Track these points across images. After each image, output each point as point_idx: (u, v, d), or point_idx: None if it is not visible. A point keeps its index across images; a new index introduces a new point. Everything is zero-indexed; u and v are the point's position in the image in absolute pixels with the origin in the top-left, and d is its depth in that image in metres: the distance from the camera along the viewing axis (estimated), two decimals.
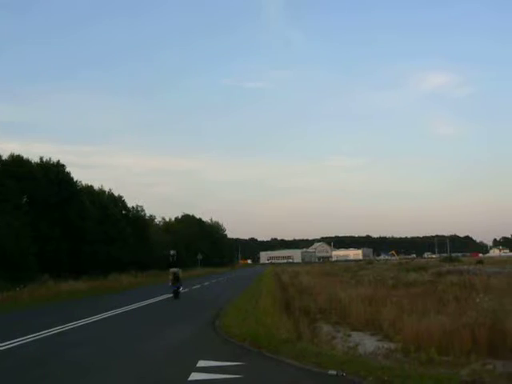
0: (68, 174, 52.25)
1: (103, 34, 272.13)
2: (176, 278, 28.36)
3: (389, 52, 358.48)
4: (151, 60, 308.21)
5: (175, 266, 28.86)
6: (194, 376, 9.26)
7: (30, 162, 48.35)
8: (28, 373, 10.11)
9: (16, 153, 47.63)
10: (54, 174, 49.53)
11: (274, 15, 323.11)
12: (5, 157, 46.28)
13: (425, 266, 56.17)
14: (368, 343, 15.33)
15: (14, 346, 13.28)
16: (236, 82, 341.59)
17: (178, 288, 28.53)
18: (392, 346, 14.53)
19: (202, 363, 10.37)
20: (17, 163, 45.86)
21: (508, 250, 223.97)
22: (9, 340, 13.91)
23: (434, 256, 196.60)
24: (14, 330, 16.47)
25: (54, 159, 51.88)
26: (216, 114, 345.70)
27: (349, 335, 17.15)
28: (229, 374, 9.40)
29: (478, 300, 16.83)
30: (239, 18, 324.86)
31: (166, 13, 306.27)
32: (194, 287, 41.38)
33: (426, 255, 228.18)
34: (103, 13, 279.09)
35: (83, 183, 58.66)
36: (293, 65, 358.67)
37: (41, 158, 50.93)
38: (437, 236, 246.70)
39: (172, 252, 29.97)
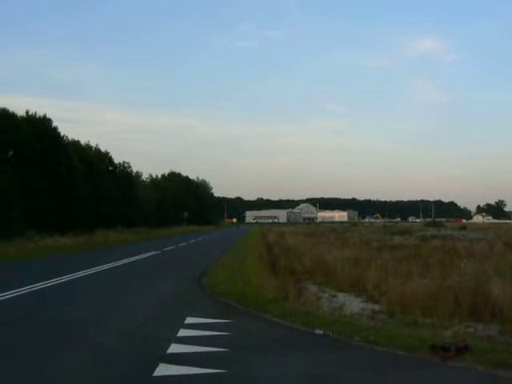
0: (55, 128, 51.55)
1: None
2: None
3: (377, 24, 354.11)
4: (141, 23, 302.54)
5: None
6: (183, 332, 9.39)
7: (16, 116, 47.57)
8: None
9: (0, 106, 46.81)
10: (40, 128, 48.89)
11: None
12: None
13: (409, 230, 56.65)
14: (353, 304, 15.56)
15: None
16: (227, 41, 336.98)
17: None
18: (376, 307, 14.78)
19: (189, 320, 10.50)
20: (2, 116, 45.12)
21: (491, 217, 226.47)
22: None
23: (418, 220, 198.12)
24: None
25: (40, 113, 51.23)
26: (204, 72, 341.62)
27: (334, 296, 17.38)
28: (216, 330, 9.53)
29: (462, 265, 17.07)
30: None
31: None
32: (180, 245, 41.60)
33: (410, 219, 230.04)
34: None
35: (70, 138, 58.07)
36: (285, 29, 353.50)
37: (27, 112, 50.09)
38: (422, 201, 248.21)
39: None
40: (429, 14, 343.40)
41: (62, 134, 53.24)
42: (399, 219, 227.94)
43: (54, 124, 51.77)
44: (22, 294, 14.43)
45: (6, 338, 9.27)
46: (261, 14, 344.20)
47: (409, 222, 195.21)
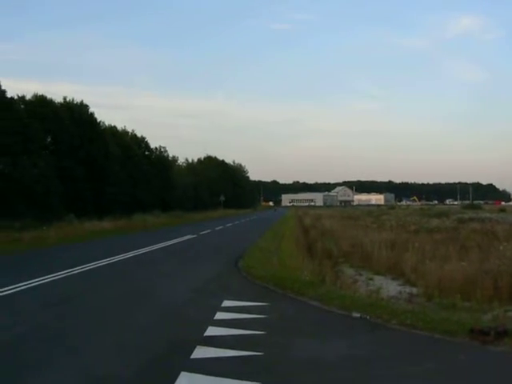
0: (92, 114, 52.27)
1: None
2: None
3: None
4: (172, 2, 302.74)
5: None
6: (219, 315, 9.47)
7: (54, 102, 48.28)
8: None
9: (39, 93, 47.57)
10: (77, 114, 49.54)
11: None
12: (28, 97, 46.29)
13: (447, 213, 55.87)
14: (390, 287, 15.50)
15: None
16: (262, 24, 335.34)
17: None
18: (414, 290, 14.69)
19: (226, 303, 10.57)
20: (41, 103, 45.83)
21: None
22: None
23: (455, 203, 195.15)
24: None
25: (77, 100, 51.88)
26: (240, 56, 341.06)
27: (371, 279, 17.34)
28: (253, 314, 9.59)
29: (501, 248, 16.82)
30: None
31: None
32: (217, 228, 41.82)
33: (447, 202, 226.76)
34: None
35: (106, 124, 58.78)
36: (318, 9, 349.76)
37: (64, 98, 50.84)
38: (459, 183, 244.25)
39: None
40: None
41: (98, 120, 53.95)
42: (436, 202, 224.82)
43: (91, 110, 52.50)
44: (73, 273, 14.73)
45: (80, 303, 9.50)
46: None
47: (446, 204, 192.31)
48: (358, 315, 9.34)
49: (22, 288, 12.66)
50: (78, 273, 15.58)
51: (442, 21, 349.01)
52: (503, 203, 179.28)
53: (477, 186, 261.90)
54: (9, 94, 40.17)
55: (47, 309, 10.48)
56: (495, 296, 12.44)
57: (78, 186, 45.95)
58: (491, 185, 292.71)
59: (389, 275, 18.18)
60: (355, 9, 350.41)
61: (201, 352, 7.15)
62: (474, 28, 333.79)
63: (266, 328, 8.47)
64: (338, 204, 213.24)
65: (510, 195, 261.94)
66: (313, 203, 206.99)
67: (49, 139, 45.96)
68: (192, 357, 6.96)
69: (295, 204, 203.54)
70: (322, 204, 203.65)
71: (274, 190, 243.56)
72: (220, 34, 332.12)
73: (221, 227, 44.13)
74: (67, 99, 50.91)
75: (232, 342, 7.65)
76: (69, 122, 46.90)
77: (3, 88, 39.15)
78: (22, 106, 43.42)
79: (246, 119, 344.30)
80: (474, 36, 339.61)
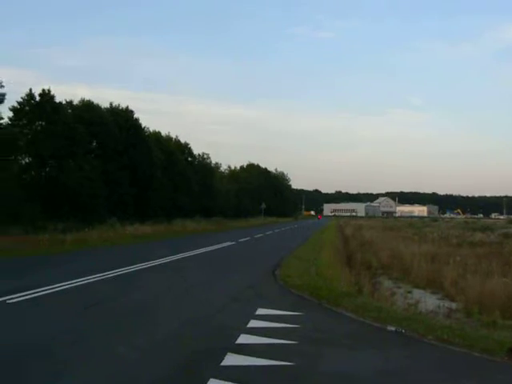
0: (137, 119, 52.98)
1: None
2: None
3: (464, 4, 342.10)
4: (213, 6, 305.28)
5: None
6: (253, 323, 9.41)
7: (100, 108, 49.20)
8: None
9: (86, 98, 48.60)
10: (123, 119, 50.31)
11: None
12: (76, 102, 47.28)
13: (491, 227, 54.78)
14: (429, 301, 15.19)
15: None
16: (306, 32, 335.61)
17: None
18: (453, 305, 14.39)
19: (261, 311, 10.52)
20: (87, 108, 46.77)
21: None
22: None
23: (501, 217, 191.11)
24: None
25: (123, 105, 52.71)
26: (287, 65, 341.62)
27: (409, 292, 17.07)
28: (286, 323, 9.50)
29: None
30: None
31: None
32: (256, 236, 41.78)
33: (493, 216, 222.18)
34: None
35: (151, 130, 59.51)
36: (364, 14, 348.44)
37: (110, 104, 51.76)
38: (506, 196, 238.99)
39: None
40: None
41: (143, 126, 54.63)
42: (481, 215, 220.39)
43: (136, 115, 53.21)
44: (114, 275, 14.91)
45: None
46: (339, 5, 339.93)
47: (491, 218, 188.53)
48: (393, 329, 9.16)
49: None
50: (112, 276, 15.76)
51: (487, 30, 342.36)
52: None
53: None
54: (57, 99, 41.19)
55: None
56: None
57: (121, 190, 46.64)
58: None
59: (428, 289, 17.87)
60: (399, 16, 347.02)
61: (231, 359, 7.11)
62: None
63: (298, 338, 8.38)
64: (380, 215, 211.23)
65: None
66: (354, 213, 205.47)
67: (94, 143, 46.76)
68: (222, 364, 6.92)
69: (337, 214, 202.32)
70: (363, 214, 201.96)
71: (316, 199, 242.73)
72: (266, 43, 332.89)
73: (260, 235, 44.09)
74: (113, 105, 51.85)
75: (263, 351, 7.58)
76: (114, 127, 47.66)
77: (52, 93, 40.18)
78: (70, 111, 44.34)
79: (289, 127, 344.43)
80: None
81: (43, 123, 39.27)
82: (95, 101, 49.18)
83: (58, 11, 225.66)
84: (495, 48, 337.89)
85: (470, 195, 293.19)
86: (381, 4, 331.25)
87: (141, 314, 10.38)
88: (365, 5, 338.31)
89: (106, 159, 45.67)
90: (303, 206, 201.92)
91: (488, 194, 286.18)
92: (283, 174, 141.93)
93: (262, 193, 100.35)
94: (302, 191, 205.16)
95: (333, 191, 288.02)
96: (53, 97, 40.19)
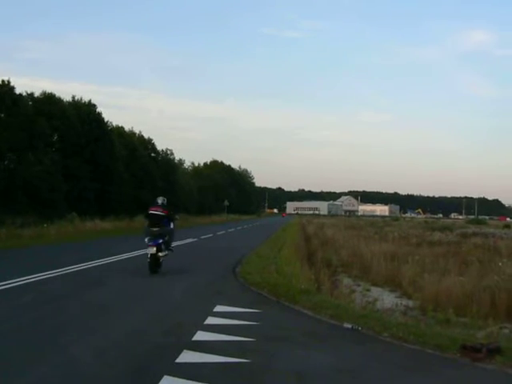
0: (99, 114, 52.20)
1: None
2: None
3: (428, 9, 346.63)
4: (183, 2, 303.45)
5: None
6: (210, 320, 9.39)
7: (62, 101, 48.37)
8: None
9: (48, 91, 47.72)
10: (85, 113, 49.61)
11: None
12: (37, 94, 46.38)
13: (450, 227, 55.71)
14: (386, 299, 15.40)
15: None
16: (273, 31, 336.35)
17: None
18: (410, 303, 14.61)
19: (219, 308, 10.50)
20: (49, 101, 45.96)
21: None
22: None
23: (460, 217, 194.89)
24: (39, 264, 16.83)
25: (86, 99, 52.00)
26: (249, 62, 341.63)
27: (368, 290, 17.25)
28: (244, 320, 9.50)
29: (500, 264, 16.71)
30: None
31: None
32: (218, 233, 41.76)
33: (452, 216, 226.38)
34: None
35: (114, 124, 58.81)
36: (330, 15, 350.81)
37: (73, 97, 50.94)
38: (465, 197, 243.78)
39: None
40: (480, 7, 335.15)
41: (106, 120, 53.96)
42: (441, 215, 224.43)
43: (99, 109, 52.54)
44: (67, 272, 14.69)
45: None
46: (312, 7, 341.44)
47: (451, 218, 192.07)
48: (349, 326, 9.23)
49: None
50: (73, 271, 15.54)
51: (455, 32, 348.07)
52: (508, 219, 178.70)
53: (482, 201, 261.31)
54: (17, 91, 40.36)
55: None
56: (491, 312, 12.34)
57: (82, 184, 46.00)
58: (497, 200, 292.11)
59: (386, 287, 18.10)
60: (366, 18, 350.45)
61: (187, 356, 7.07)
62: (486, 42, 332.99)
63: (255, 335, 8.38)
64: (343, 213, 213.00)
65: None
66: (317, 212, 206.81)
67: (55, 137, 46.01)
68: (177, 361, 6.88)
69: (300, 212, 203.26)
70: (326, 213, 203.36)
71: (279, 197, 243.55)
72: (233, 41, 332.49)
73: (223, 232, 44.09)
74: (76, 98, 51.11)
75: (220, 348, 7.56)
76: (76, 121, 46.97)
77: (12, 85, 39.34)
78: (30, 104, 43.51)
79: (253, 126, 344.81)
80: (487, 50, 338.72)
81: (2, 115, 38.41)
82: (58, 94, 48.44)
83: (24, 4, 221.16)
84: (457, 52, 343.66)
85: (430, 195, 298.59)
86: (348, 6, 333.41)
87: (96, 312, 10.22)
88: (333, 6, 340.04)
89: (66, 153, 44.98)
90: (266, 204, 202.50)
91: (448, 195, 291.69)
92: (247, 171, 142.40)
93: (225, 190, 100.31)
94: (265, 189, 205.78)
95: (296, 189, 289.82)
96: (12, 88, 39.35)
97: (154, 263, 15.89)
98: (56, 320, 9.27)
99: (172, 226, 17.31)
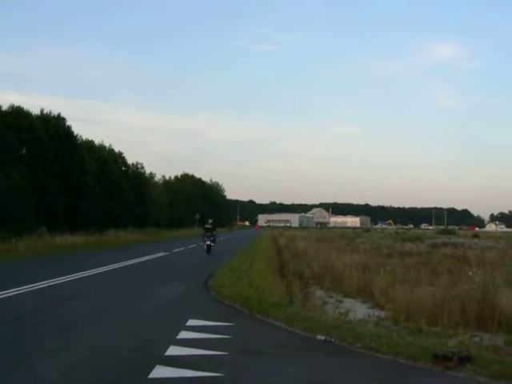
0: (69, 127, 51.72)
1: None
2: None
3: (396, 22, 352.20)
4: (155, 15, 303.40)
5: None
6: (183, 334, 9.32)
7: (31, 114, 47.74)
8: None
9: (16, 104, 47.08)
10: (54, 127, 49.08)
11: None
12: (5, 107, 45.68)
13: (421, 237, 56.32)
14: (359, 310, 15.46)
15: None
16: (245, 44, 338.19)
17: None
18: (382, 314, 14.68)
19: (191, 322, 10.42)
20: (17, 115, 45.37)
21: (504, 226, 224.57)
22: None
23: (430, 228, 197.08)
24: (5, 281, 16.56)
25: (55, 112, 51.47)
26: (222, 75, 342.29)
27: (340, 301, 17.30)
28: (218, 334, 9.45)
29: (470, 273, 16.90)
30: None
31: None
32: (190, 247, 41.54)
33: (423, 226, 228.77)
34: None
35: (83, 138, 58.27)
36: (300, 28, 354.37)
37: (41, 111, 50.35)
38: (435, 208, 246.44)
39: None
40: (448, 20, 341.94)
41: (75, 134, 53.47)
42: (412, 226, 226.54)
43: (68, 123, 52.06)
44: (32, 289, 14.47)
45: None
46: (281, 19, 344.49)
47: (421, 229, 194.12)
48: (322, 338, 9.24)
49: None
50: (36, 289, 15.32)
51: (423, 46, 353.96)
52: (477, 229, 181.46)
53: (452, 212, 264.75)
54: None
55: None
56: (462, 321, 12.48)
57: (52, 199, 45.40)
58: (466, 210, 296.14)
59: (359, 298, 18.17)
60: (337, 30, 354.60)
61: (160, 372, 7.00)
62: (454, 56, 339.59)
63: (228, 349, 8.34)
64: (314, 225, 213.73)
65: (484, 221, 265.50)
66: (289, 224, 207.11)
67: (24, 151, 45.41)
68: (150, 376, 6.81)
69: (271, 224, 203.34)
70: (297, 225, 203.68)
71: (250, 209, 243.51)
72: (205, 53, 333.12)
73: (194, 245, 43.85)
74: (44, 111, 50.55)
75: (193, 362, 7.50)
76: (45, 135, 46.44)
77: None
78: None
79: (225, 138, 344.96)
80: (453, 62, 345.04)
81: None
82: (26, 107, 47.83)
83: None
84: (426, 64, 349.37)
85: (401, 206, 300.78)
86: (320, 19, 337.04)
87: (65, 327, 10.04)
88: (304, 20, 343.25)
89: (35, 167, 44.43)
90: (238, 217, 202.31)
91: (418, 206, 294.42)
92: (218, 184, 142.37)
93: (196, 203, 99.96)
94: (236, 202, 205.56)
95: (267, 202, 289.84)
96: None
97: (208, 250, 32.66)
98: (22, 337, 9.10)
99: (215, 232, 34.86)
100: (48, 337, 9.17)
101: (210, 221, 34.53)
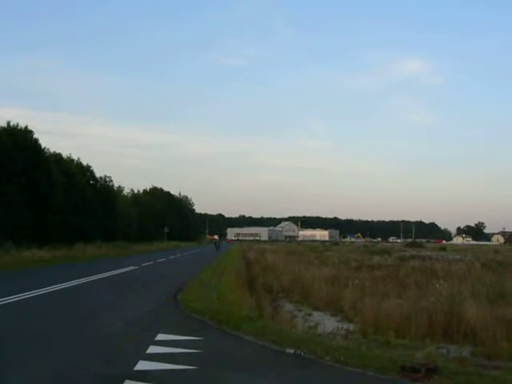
0: (36, 140, 51.11)
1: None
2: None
3: (364, 40, 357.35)
4: (127, 33, 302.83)
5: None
6: (152, 349, 9.26)
7: None
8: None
9: None
10: (21, 139, 48.44)
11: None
12: None
13: (389, 250, 56.91)
14: (328, 323, 15.54)
15: None
16: (215, 59, 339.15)
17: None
18: (351, 327, 14.77)
19: (161, 336, 10.37)
20: None
21: (471, 239, 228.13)
22: None
23: (399, 241, 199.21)
24: None
25: (22, 125, 50.79)
26: (192, 89, 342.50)
27: (310, 314, 17.36)
28: (187, 348, 9.42)
29: (437, 286, 17.13)
30: None
31: None
32: (159, 260, 41.30)
33: (391, 239, 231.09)
34: None
35: (51, 151, 57.57)
36: (271, 46, 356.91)
37: (8, 123, 49.72)
38: (403, 221, 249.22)
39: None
40: (416, 35, 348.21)
41: (43, 146, 52.78)
42: (380, 239, 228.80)
43: (35, 136, 51.35)
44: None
45: None
46: (247, 32, 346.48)
47: (389, 242, 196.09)
48: (291, 351, 9.28)
49: None
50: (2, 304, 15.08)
51: (389, 61, 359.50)
52: (444, 242, 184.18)
53: (420, 225, 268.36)
54: None
55: None
56: (429, 333, 12.65)
57: (19, 212, 44.67)
58: (433, 223, 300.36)
59: (328, 311, 18.25)
60: (305, 46, 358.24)
61: None
62: (420, 71, 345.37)
63: (198, 363, 8.32)
64: (283, 239, 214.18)
65: (451, 234, 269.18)
66: (258, 238, 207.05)
67: None
68: None
69: (240, 238, 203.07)
70: (266, 238, 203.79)
71: (219, 223, 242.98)
72: (174, 67, 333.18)
73: (163, 259, 43.64)
74: (11, 124, 49.85)
75: (162, 377, 7.49)
76: (11, 147, 45.78)
77: None
78: None
79: (194, 152, 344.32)
80: (420, 79, 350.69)
81: None
82: None
83: None
84: (391, 81, 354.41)
85: (369, 220, 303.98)
86: (287, 37, 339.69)
87: (31, 343, 9.91)
88: (271, 34, 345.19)
89: (1, 180, 43.72)
90: (207, 230, 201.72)
91: (386, 219, 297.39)
92: (187, 197, 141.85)
93: (165, 216, 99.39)
94: (205, 215, 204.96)
95: (236, 215, 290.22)
96: None
97: (216, 249, 71.67)
98: None
99: (220, 241, 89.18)
100: (16, 353, 9.02)
101: (218, 233, 51.58)
